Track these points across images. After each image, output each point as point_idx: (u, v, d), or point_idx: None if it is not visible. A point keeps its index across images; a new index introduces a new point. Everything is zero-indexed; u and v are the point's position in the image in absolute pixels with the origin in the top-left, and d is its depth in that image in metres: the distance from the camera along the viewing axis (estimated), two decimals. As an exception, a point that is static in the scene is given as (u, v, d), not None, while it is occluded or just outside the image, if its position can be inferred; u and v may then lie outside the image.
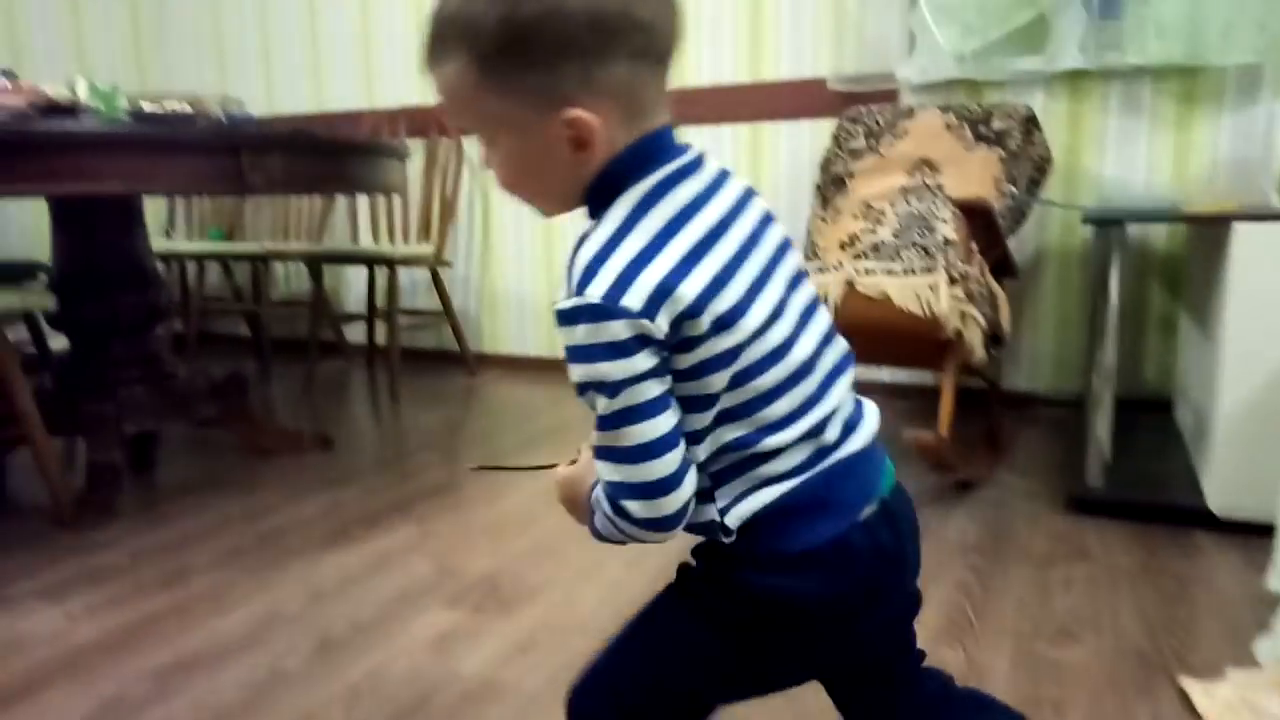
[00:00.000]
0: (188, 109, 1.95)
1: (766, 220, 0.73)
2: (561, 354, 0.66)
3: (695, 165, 0.71)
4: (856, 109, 2.67)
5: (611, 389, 0.64)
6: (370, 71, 3.67)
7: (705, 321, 0.64)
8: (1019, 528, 1.84)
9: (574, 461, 0.77)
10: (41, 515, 1.92)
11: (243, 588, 1.61)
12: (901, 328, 1.81)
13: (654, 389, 0.64)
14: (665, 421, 0.65)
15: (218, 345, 4.02)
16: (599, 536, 0.72)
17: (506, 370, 3.55)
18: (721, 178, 0.72)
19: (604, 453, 0.66)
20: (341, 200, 3.68)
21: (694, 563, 0.76)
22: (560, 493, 0.78)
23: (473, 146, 3.45)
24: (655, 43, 0.68)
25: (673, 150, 0.70)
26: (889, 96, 2.79)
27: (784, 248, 0.73)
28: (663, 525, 0.67)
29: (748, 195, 0.73)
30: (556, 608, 1.53)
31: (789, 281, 0.72)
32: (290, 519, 1.93)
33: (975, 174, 2.43)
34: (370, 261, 3.25)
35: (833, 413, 0.73)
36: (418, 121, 3.47)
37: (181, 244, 3.62)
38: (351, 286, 3.86)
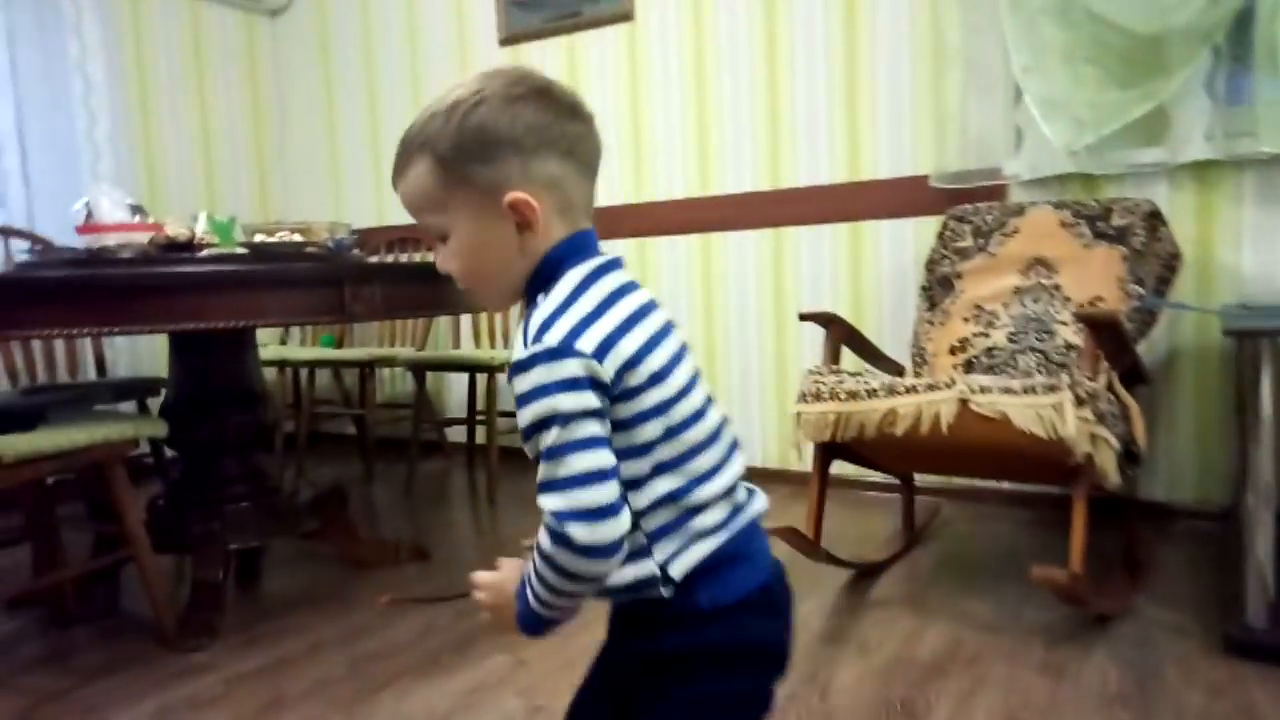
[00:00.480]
0: (297, 238, 2.02)
1: (668, 323, 0.83)
2: None
3: (618, 263, 0.84)
4: (962, 207, 2.57)
5: (564, 419, 0.72)
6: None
7: (643, 373, 0.76)
8: (1169, 674, 1.64)
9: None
10: (147, 632, 1.94)
11: (332, 724, 1.57)
12: (1023, 449, 1.67)
13: (598, 427, 0.73)
14: (606, 456, 0.74)
15: (326, 445, 4.12)
16: (530, 621, 0.78)
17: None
18: (634, 281, 0.84)
19: (549, 485, 0.73)
20: (445, 305, 3.75)
21: (644, 685, 0.81)
22: (487, 598, 0.82)
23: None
24: (581, 149, 0.82)
25: (597, 248, 0.84)
26: (995, 193, 2.68)
27: (684, 350, 0.83)
28: (603, 553, 0.72)
29: (653, 300, 0.84)
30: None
31: (693, 373, 0.83)
32: (383, 644, 1.90)
33: (1096, 273, 2.29)
34: (471, 368, 3.29)
35: (739, 477, 0.84)
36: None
37: (295, 351, 3.75)
38: (453, 390, 3.91)
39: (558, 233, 0.81)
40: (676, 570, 0.77)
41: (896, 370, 2.44)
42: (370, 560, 2.40)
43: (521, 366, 0.74)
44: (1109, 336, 1.77)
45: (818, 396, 1.91)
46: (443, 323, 3.81)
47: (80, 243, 2.20)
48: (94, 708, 1.66)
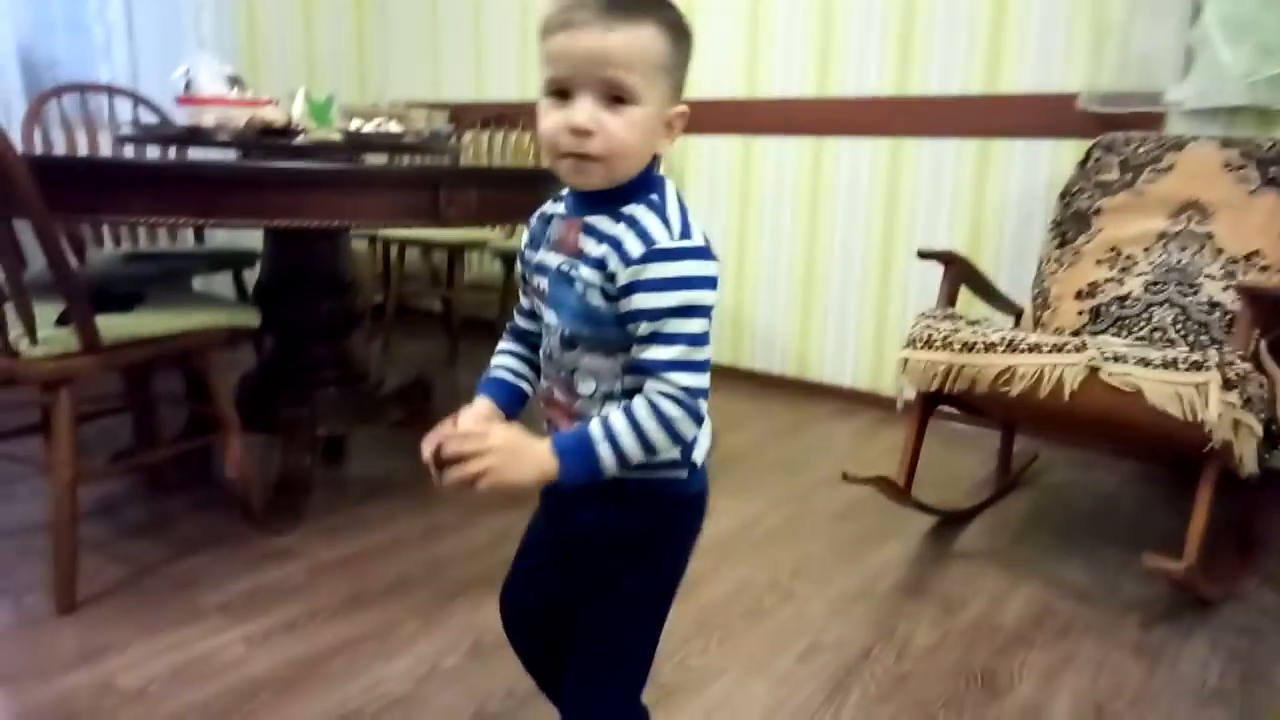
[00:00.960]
0: (395, 128, 1.94)
1: None
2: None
3: None
4: (1112, 135, 2.32)
5: (705, 312, 0.81)
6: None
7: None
8: (1276, 674, 1.53)
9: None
10: (238, 507, 2.00)
11: (408, 628, 1.60)
12: (1154, 427, 1.54)
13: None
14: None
15: (414, 320, 4.15)
16: (585, 474, 0.80)
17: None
18: None
19: (688, 365, 0.80)
20: (539, 190, 3.66)
21: (611, 558, 0.91)
22: (496, 458, 0.79)
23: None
24: None
25: None
26: (1152, 121, 2.41)
27: None
28: (701, 424, 0.83)
29: None
30: (719, 709, 1.41)
31: None
32: (461, 546, 1.92)
33: (1258, 225, 2.06)
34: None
35: None
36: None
37: (388, 229, 3.73)
38: (542, 276, 3.86)
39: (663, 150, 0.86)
40: (698, 455, 0.90)
41: (1015, 312, 2.27)
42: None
43: (671, 255, 0.80)
44: (1270, 309, 1.58)
45: (929, 343, 1.78)
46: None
47: (180, 116, 2.17)
48: (188, 584, 1.73)
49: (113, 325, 1.67)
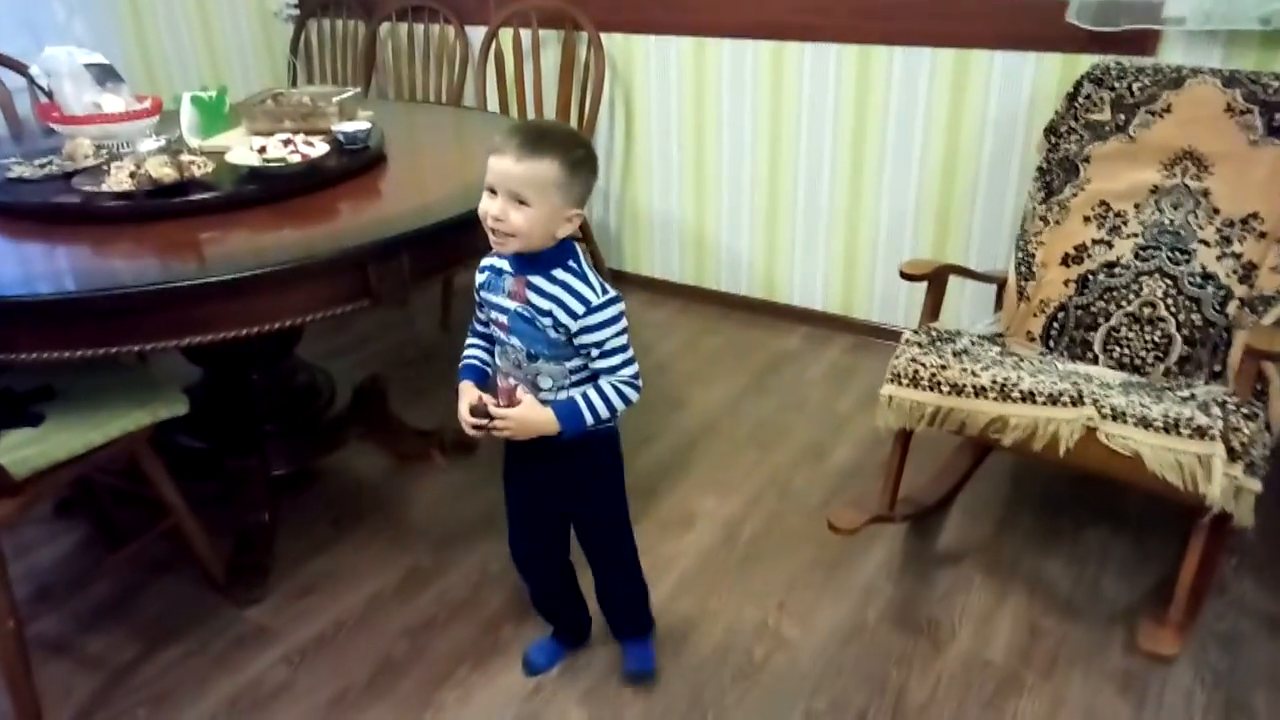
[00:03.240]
0: (300, 140, 1.69)
1: None
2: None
3: None
4: (1104, 64, 2.09)
5: (625, 330, 1.30)
6: (497, -53, 3.15)
7: None
8: (1258, 697, 1.58)
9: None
10: (199, 572, 1.91)
11: (400, 734, 1.58)
12: (1153, 483, 1.47)
13: None
14: None
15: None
16: (581, 425, 1.32)
17: (652, 295, 3.30)
18: None
19: (630, 361, 1.31)
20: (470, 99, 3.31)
21: (590, 478, 1.47)
22: (513, 424, 1.31)
23: (612, 44, 2.99)
24: None
25: None
26: (1146, 41, 2.17)
27: None
28: (639, 390, 1.34)
29: None
30: None
31: None
32: (440, 602, 1.86)
33: (1259, 182, 1.91)
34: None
35: None
36: (550, 13, 3.00)
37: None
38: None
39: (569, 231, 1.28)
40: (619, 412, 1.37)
41: (997, 282, 2.14)
42: (414, 455, 2.32)
43: (600, 308, 1.27)
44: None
45: (914, 381, 1.67)
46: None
47: (38, 143, 1.87)
48: (163, 696, 1.67)
49: (22, 456, 1.50)
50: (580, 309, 1.26)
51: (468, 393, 1.37)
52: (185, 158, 1.67)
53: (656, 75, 3.00)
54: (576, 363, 1.31)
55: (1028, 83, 2.41)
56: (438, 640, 1.78)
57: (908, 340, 1.75)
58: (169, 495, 1.77)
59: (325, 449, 2.16)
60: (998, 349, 1.80)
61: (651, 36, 2.96)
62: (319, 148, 1.83)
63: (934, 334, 1.79)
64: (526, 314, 1.28)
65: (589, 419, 1.31)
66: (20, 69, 2.41)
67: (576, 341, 1.28)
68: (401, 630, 1.80)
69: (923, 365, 1.68)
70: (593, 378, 1.32)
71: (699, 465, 2.30)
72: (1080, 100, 2.10)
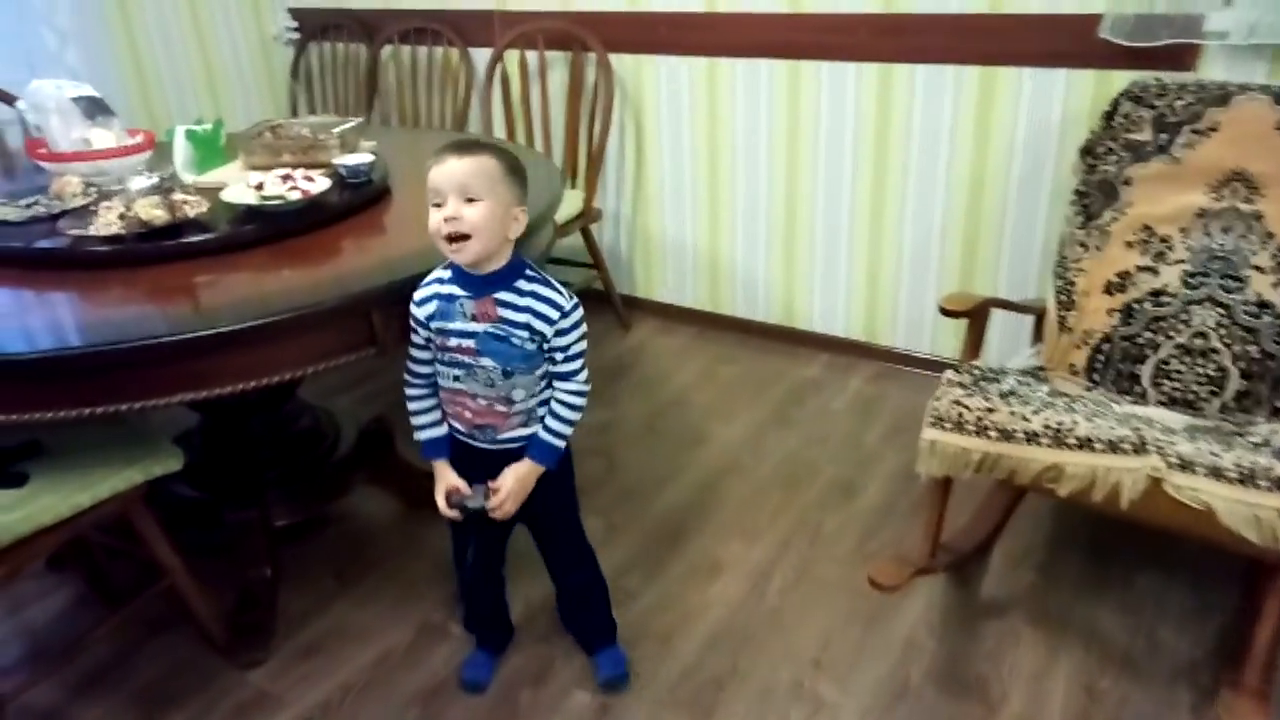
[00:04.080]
0: (310, 180, 1.60)
1: None
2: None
3: None
4: (1144, 82, 1.98)
5: (587, 338, 1.39)
6: (502, -32, 3.06)
7: None
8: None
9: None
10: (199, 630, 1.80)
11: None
12: (1225, 537, 1.36)
13: None
14: None
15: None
16: (561, 453, 1.42)
17: (665, 322, 3.19)
18: None
19: (583, 368, 1.39)
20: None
21: (549, 486, 1.46)
22: (511, 502, 1.41)
23: (621, 65, 2.91)
24: None
25: None
26: (1185, 56, 2.07)
27: None
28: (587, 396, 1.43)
29: None
30: None
31: None
32: (450, 664, 1.75)
33: (1315, 206, 1.79)
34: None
35: None
36: (556, 34, 2.91)
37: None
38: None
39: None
40: None
41: (1036, 312, 2.03)
42: (422, 499, 2.20)
43: (569, 312, 1.33)
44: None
45: (959, 425, 1.55)
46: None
47: (29, 180, 1.77)
48: (158, 773, 1.56)
49: (3, 523, 1.40)
50: (555, 314, 1.31)
51: (444, 477, 1.45)
52: (178, 197, 1.57)
53: (668, 96, 2.90)
54: (544, 367, 1.36)
55: (1058, 101, 2.30)
56: (451, 709, 1.66)
57: (949, 381, 1.64)
58: (164, 555, 1.66)
59: (329, 496, 2.05)
60: (1047, 388, 1.69)
61: (662, 57, 2.86)
62: (320, 183, 1.73)
63: (977, 373, 1.67)
64: (500, 332, 1.31)
65: (561, 445, 1.40)
66: (10, 100, 2.32)
67: (547, 346, 1.33)
68: (412, 695, 1.69)
69: (967, 408, 1.56)
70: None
71: (723, 507, 2.19)
72: (1118, 119, 1.99)
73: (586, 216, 2.91)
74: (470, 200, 1.25)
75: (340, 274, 1.54)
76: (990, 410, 1.55)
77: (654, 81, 2.91)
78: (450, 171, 1.25)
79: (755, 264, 2.97)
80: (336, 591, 1.96)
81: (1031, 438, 1.50)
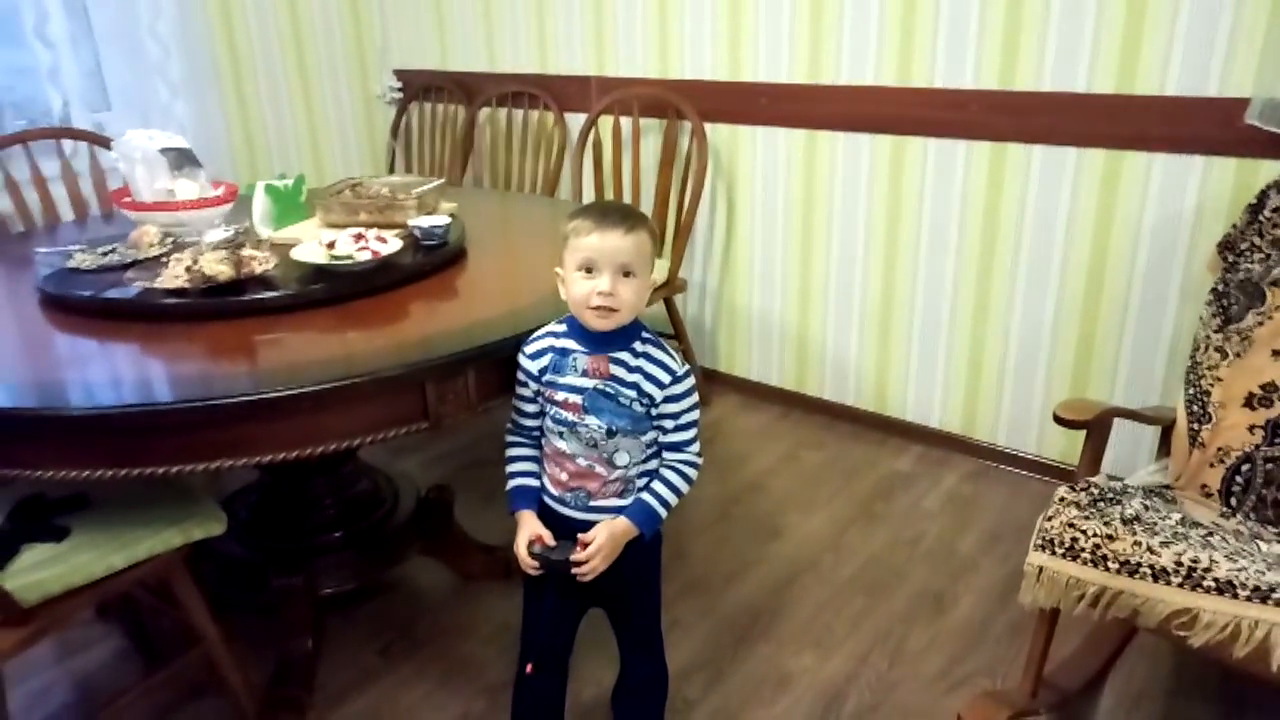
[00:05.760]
0: (382, 240, 1.55)
1: None
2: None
3: None
4: (1296, 175, 1.78)
5: (698, 404, 1.34)
6: (602, 37, 3.04)
7: None
8: None
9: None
10: (233, 702, 1.71)
11: None
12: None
13: None
14: None
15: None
16: (658, 522, 1.33)
17: (747, 398, 3.04)
18: None
19: (696, 439, 1.34)
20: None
21: (638, 568, 1.37)
22: (601, 560, 1.28)
23: (716, 134, 2.82)
24: None
25: None
26: (1350, 148, 1.85)
27: None
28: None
29: None
30: None
31: None
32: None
33: None
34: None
35: None
36: (652, 101, 2.86)
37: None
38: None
39: None
40: None
41: (1164, 423, 1.81)
42: (478, 575, 2.10)
43: (682, 379, 1.30)
44: None
45: (1072, 552, 1.36)
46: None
47: (116, 228, 1.77)
48: None
49: (36, 580, 1.34)
50: (666, 378, 1.28)
51: (529, 525, 1.33)
52: (246, 253, 1.53)
53: (763, 168, 2.80)
54: (651, 435, 1.31)
55: (1193, 190, 2.10)
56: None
57: (1063, 499, 1.45)
58: (201, 622, 1.58)
59: (381, 566, 1.96)
60: (1178, 515, 1.47)
61: (760, 128, 2.77)
62: (392, 244, 1.67)
63: (1096, 492, 1.47)
64: (610, 390, 1.27)
65: (663, 513, 1.32)
66: (107, 145, 2.38)
67: (656, 412, 1.29)
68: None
69: (1083, 533, 1.37)
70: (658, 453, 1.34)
71: (796, 611, 2.01)
72: (1266, 213, 1.78)
73: (671, 286, 2.81)
74: (627, 275, 1.24)
75: (400, 341, 1.46)
76: (1110, 538, 1.35)
77: (749, 152, 2.82)
78: (614, 247, 1.22)
79: (846, 345, 2.81)
80: (379, 669, 1.85)
81: (1160, 574, 1.29)
